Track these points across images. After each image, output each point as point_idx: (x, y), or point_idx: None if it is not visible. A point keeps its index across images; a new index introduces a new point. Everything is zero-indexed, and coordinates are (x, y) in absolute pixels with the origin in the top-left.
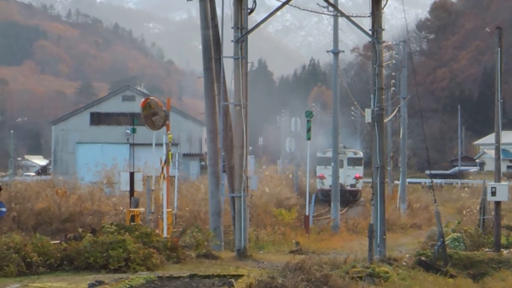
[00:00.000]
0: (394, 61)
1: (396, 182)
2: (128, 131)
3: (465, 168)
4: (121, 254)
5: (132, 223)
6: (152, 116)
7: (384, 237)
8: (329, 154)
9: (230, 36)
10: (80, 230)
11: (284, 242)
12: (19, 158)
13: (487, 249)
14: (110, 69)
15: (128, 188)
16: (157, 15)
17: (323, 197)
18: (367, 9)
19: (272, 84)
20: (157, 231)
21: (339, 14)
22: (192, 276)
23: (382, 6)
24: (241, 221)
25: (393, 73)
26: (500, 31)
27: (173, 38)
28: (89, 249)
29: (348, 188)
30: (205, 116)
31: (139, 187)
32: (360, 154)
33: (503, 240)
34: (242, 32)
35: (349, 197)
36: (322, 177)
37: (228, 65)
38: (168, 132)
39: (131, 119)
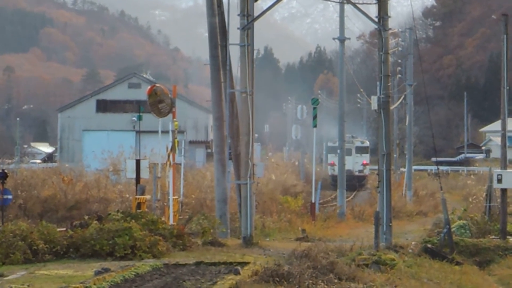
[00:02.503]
0: (400, 48)
1: (402, 169)
2: (134, 118)
3: (471, 155)
4: (127, 242)
5: (138, 211)
6: (158, 103)
7: (390, 224)
8: None
9: (236, 23)
10: (86, 217)
11: (290, 229)
12: (25, 146)
13: (493, 236)
14: (116, 56)
15: (134, 176)
16: (163, 2)
17: (334, 183)
18: None
19: (278, 71)
20: (163, 219)
21: (345, 1)
22: (198, 264)
23: None
24: (247, 208)
25: (399, 60)
26: (506, 18)
27: (179, 25)
28: (95, 236)
29: (357, 174)
30: (211, 103)
31: (145, 174)
32: (367, 143)
33: (509, 227)
34: (248, 19)
35: (357, 182)
36: (333, 164)
37: (234, 52)
38: (174, 119)
39: (137, 106)
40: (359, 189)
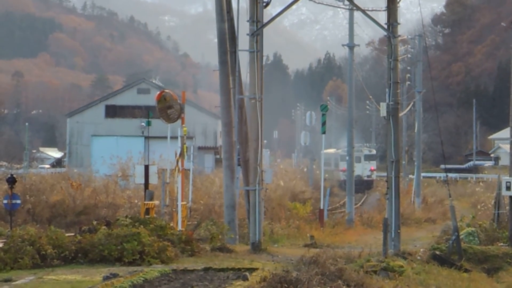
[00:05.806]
0: (409, 55)
1: (411, 176)
2: (143, 124)
3: (480, 162)
4: (135, 247)
5: (147, 216)
6: (167, 109)
7: (399, 231)
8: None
9: (246, 30)
10: (94, 222)
11: (299, 235)
12: (34, 151)
13: (501, 244)
14: (125, 62)
15: (142, 181)
16: (173, 8)
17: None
18: (382, 3)
19: (287, 77)
20: (171, 224)
21: (354, 8)
22: (206, 269)
23: (398, 0)
24: (256, 215)
25: (409, 67)
26: None
27: (189, 31)
28: (103, 242)
29: (365, 178)
30: (220, 109)
31: (153, 180)
32: (374, 151)
33: None
34: (258, 26)
35: (366, 186)
36: (345, 170)
37: (244, 58)
38: (183, 125)
39: (146, 112)
40: (368, 192)
